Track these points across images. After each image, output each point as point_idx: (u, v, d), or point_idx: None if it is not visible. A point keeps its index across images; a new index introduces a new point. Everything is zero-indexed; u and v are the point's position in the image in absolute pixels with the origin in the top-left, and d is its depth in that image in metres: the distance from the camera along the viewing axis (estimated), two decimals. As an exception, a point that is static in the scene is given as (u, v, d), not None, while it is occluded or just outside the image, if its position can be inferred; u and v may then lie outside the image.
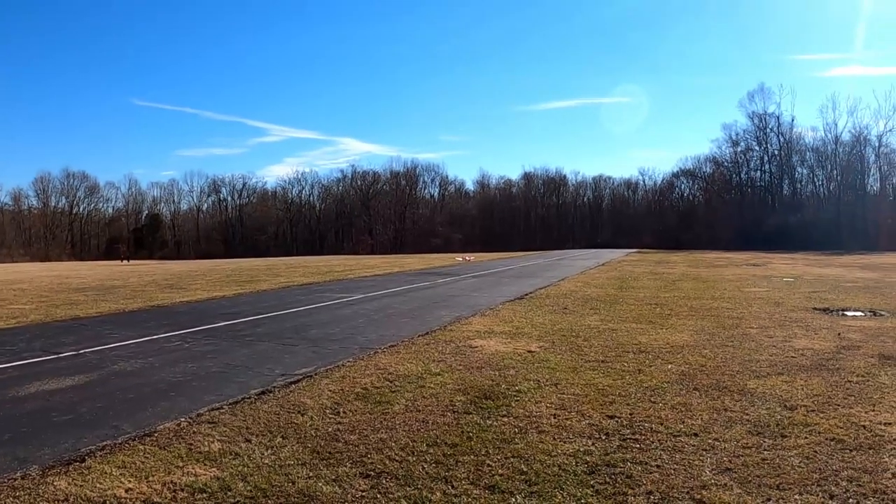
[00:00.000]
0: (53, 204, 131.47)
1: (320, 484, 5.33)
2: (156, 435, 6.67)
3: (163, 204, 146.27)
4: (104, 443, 6.43)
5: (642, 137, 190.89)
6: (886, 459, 5.74)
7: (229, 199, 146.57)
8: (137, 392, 8.66)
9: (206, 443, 6.40)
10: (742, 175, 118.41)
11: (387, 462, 5.81)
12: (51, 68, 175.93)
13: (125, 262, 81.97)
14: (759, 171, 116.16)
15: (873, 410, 7.30)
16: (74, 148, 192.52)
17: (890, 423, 6.77)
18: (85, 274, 40.49)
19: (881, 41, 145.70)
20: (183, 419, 7.23)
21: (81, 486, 5.35)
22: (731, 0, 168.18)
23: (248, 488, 5.25)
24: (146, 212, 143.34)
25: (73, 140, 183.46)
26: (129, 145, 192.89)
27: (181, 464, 5.83)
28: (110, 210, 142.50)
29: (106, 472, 5.62)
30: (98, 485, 5.37)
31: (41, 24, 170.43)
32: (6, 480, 5.45)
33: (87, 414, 7.62)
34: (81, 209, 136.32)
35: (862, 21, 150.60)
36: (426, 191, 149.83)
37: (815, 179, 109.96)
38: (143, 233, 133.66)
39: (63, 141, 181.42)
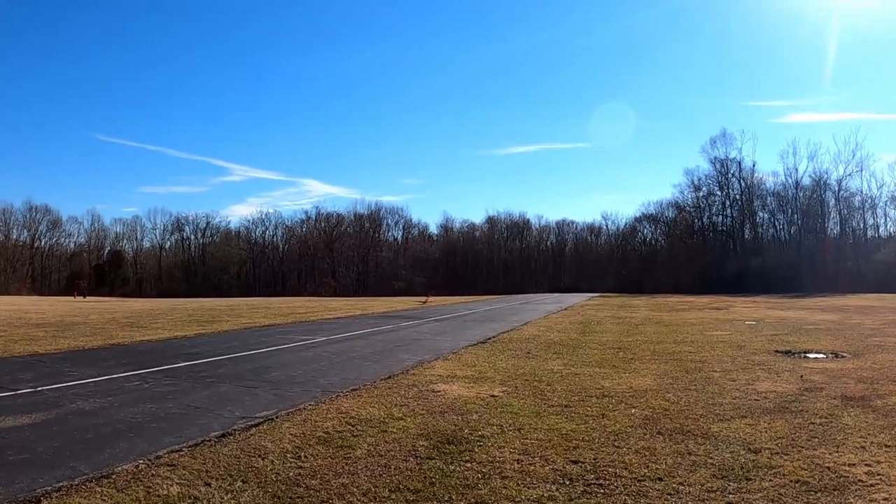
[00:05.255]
0: (15, 237, 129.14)
1: (280, 530, 5.24)
2: (114, 477, 6.53)
3: (125, 240, 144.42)
4: (60, 484, 6.29)
5: (605, 182, 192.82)
6: (851, 500, 5.77)
7: (192, 237, 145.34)
8: (96, 432, 8.50)
9: (164, 486, 6.27)
10: (704, 219, 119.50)
11: (348, 508, 5.72)
12: (15, 101, 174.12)
13: (78, 297, 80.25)
14: (720, 216, 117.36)
15: (837, 452, 7.33)
16: (37, 181, 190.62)
17: (854, 464, 6.80)
18: (45, 309, 39.90)
19: (840, 88, 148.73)
20: (142, 461, 7.09)
21: (34, 531, 5.22)
22: (692, 47, 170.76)
23: (206, 535, 5.15)
24: (108, 248, 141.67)
25: (36, 173, 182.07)
26: (92, 180, 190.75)
27: (138, 508, 5.71)
28: (72, 245, 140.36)
29: (61, 516, 5.50)
30: (51, 530, 5.24)
31: (7, 57, 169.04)
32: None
33: (43, 454, 7.45)
34: (43, 243, 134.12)
35: (821, 68, 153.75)
36: (389, 233, 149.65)
37: (776, 223, 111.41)
38: (104, 269, 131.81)
39: (26, 174, 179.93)
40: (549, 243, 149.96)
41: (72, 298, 75.12)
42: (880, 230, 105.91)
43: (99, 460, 7.19)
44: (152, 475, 6.63)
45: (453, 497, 5.99)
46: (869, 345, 18.02)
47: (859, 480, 6.32)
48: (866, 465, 6.82)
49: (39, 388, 11.54)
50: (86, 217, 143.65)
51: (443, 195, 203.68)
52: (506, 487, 6.25)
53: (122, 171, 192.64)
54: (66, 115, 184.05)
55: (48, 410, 9.75)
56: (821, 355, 15.96)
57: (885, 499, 5.81)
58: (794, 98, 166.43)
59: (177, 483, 6.38)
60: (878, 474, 6.49)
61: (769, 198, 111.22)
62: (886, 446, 7.55)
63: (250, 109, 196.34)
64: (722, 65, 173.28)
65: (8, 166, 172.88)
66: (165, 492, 6.13)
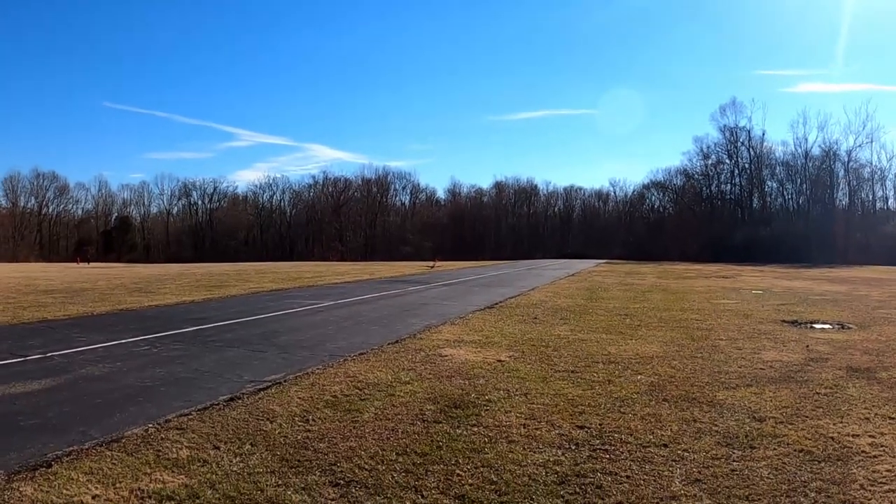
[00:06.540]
0: (22, 204, 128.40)
1: (289, 492, 5.30)
2: (123, 441, 6.59)
3: (133, 206, 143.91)
4: (71, 448, 6.35)
5: (614, 149, 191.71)
6: (854, 471, 5.80)
7: (200, 202, 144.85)
8: (105, 397, 8.57)
9: (174, 449, 6.34)
10: (712, 188, 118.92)
11: (356, 470, 5.79)
12: (21, 68, 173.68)
13: (81, 263, 79.35)
14: (729, 185, 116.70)
15: (841, 422, 7.38)
16: (44, 148, 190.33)
17: (857, 435, 6.85)
18: (53, 276, 39.93)
19: (852, 58, 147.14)
20: (151, 425, 7.16)
21: (48, 491, 5.28)
22: (703, 15, 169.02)
23: (217, 496, 5.21)
24: (116, 214, 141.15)
25: (43, 140, 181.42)
26: (98, 147, 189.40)
27: (149, 470, 5.77)
28: (80, 211, 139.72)
29: (73, 479, 5.55)
30: (64, 491, 5.30)
31: (12, 26, 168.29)
32: (-31, 485, 5.38)
33: (54, 418, 7.52)
34: (51, 210, 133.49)
35: (833, 38, 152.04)
36: (397, 198, 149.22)
37: (785, 193, 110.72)
38: (112, 235, 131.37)
39: (33, 141, 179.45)
40: (556, 209, 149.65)
41: (75, 265, 74.76)
42: (889, 202, 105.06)
43: (109, 424, 7.26)
44: (162, 439, 6.70)
45: (460, 461, 6.05)
46: (875, 317, 18.03)
47: (863, 451, 6.36)
48: (870, 436, 6.86)
49: (49, 354, 11.59)
50: (93, 183, 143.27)
51: (450, 160, 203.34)
52: (512, 452, 6.31)
53: (128, 137, 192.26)
54: (72, 82, 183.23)
55: (58, 376, 9.82)
56: (827, 326, 15.98)
57: (888, 470, 5.84)
58: (805, 68, 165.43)
59: (186, 446, 6.45)
60: (882, 446, 6.53)
61: (778, 167, 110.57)
62: (890, 418, 7.58)
63: (256, 75, 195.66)
64: (733, 33, 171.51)
65: (15, 134, 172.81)
66: (175, 455, 6.19)
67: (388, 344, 12.90)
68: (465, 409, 7.94)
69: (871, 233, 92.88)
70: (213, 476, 5.65)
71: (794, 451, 6.33)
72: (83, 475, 5.64)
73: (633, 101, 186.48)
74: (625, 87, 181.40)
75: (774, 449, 6.39)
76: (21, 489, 5.32)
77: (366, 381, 9.42)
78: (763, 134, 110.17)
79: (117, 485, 5.45)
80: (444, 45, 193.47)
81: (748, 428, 7.13)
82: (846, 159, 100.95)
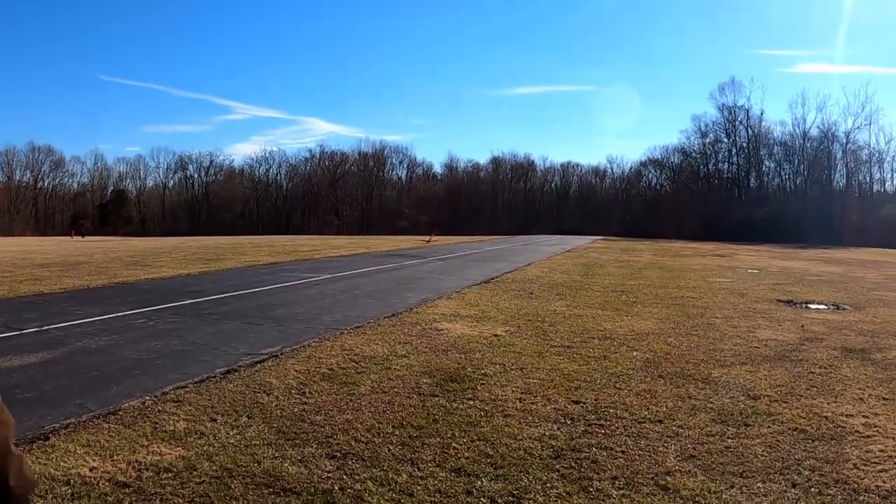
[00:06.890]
0: (18, 178, 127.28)
1: (286, 464, 5.32)
2: (120, 413, 6.59)
3: (129, 180, 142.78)
4: (68, 421, 6.35)
5: (611, 125, 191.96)
6: (848, 450, 5.82)
7: (196, 176, 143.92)
8: (102, 369, 8.57)
9: (171, 422, 6.34)
10: (710, 166, 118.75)
11: (353, 443, 5.81)
12: (16, 41, 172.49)
13: (75, 237, 78.57)
14: (726, 163, 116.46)
15: (835, 402, 7.40)
16: (40, 122, 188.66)
17: (851, 415, 6.87)
18: (49, 249, 39.75)
19: (853, 40, 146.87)
20: (148, 397, 7.17)
21: (45, 464, 5.28)
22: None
23: (214, 468, 5.22)
24: (112, 187, 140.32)
25: (38, 113, 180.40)
26: (94, 120, 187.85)
27: (146, 443, 5.78)
28: (75, 185, 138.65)
29: (70, 451, 5.56)
30: (62, 463, 5.30)
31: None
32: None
33: (50, 391, 7.52)
34: (46, 184, 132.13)
35: (835, 19, 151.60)
36: (394, 172, 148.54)
37: (782, 173, 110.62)
38: (108, 209, 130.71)
39: (28, 114, 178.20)
40: (553, 185, 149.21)
41: (70, 238, 74.34)
42: (886, 185, 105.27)
43: (106, 397, 7.27)
44: (159, 411, 6.70)
45: (456, 434, 6.07)
46: (870, 298, 18.07)
47: (856, 431, 6.38)
48: (864, 416, 6.88)
49: (45, 327, 11.56)
50: (89, 157, 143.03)
51: (448, 135, 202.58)
52: (508, 425, 6.34)
53: (124, 110, 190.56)
54: (67, 55, 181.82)
55: (55, 349, 9.81)
56: (822, 306, 16.02)
57: (882, 450, 5.86)
58: (805, 48, 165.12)
59: (183, 419, 6.46)
60: (875, 426, 6.55)
61: (776, 147, 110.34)
62: (884, 399, 7.61)
63: (251, 48, 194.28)
64: (733, 12, 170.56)
65: (10, 107, 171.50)
66: (172, 427, 6.20)
67: (385, 317, 12.93)
68: (461, 382, 7.97)
69: (868, 215, 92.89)
70: (210, 448, 5.67)
71: (789, 429, 6.36)
72: (81, 448, 5.65)
73: (632, 79, 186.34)
74: (624, 65, 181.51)
75: (769, 427, 6.42)
76: (19, 459, 5.32)
77: (362, 355, 9.44)
78: (762, 113, 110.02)
79: (115, 457, 5.46)
80: (442, 17, 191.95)
81: (743, 406, 7.16)
82: (844, 141, 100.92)
